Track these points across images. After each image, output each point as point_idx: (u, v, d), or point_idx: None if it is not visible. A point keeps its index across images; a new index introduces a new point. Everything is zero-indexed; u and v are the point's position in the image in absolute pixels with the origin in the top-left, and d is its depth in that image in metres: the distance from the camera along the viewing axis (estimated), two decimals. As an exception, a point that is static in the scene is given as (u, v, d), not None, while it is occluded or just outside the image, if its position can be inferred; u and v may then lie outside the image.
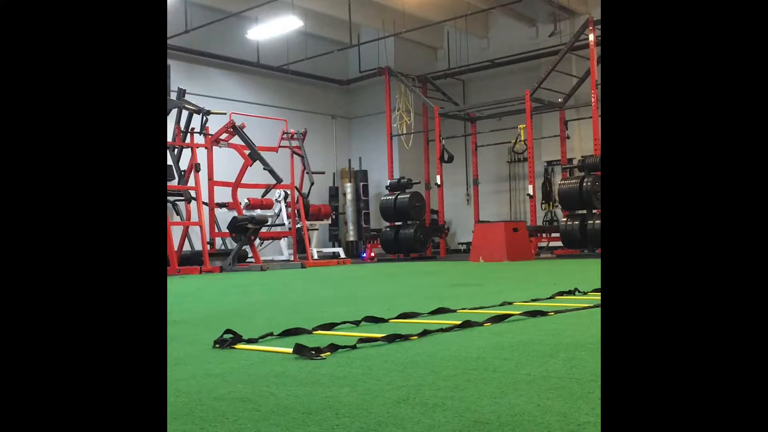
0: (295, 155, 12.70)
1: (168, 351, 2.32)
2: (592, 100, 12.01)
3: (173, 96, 11.23)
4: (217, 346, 2.42)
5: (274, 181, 11.21)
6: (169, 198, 10.99)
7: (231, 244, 11.16)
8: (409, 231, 12.93)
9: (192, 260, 10.19)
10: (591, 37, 12.03)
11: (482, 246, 10.59)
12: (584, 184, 11.05)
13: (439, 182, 13.91)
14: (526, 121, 12.61)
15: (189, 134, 11.03)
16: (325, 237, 16.24)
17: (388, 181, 13.80)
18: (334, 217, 15.66)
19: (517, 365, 1.87)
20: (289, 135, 12.71)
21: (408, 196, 13.01)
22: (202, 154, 10.88)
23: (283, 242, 13.29)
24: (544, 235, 13.09)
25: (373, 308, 3.59)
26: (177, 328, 3.07)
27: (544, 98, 13.03)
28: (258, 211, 12.12)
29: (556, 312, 3.08)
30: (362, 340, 2.33)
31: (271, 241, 12.57)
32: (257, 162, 10.75)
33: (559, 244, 11.84)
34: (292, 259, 12.58)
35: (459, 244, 16.81)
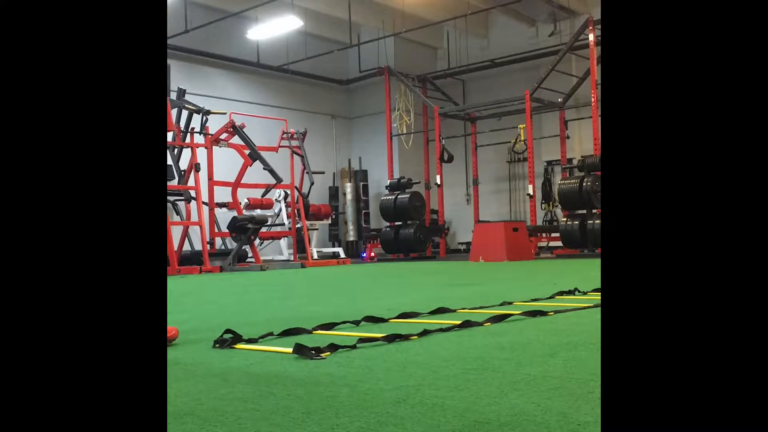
0: (295, 155, 12.69)
1: (168, 350, 2.32)
2: (592, 100, 12.00)
3: (173, 96, 11.23)
4: (217, 346, 2.42)
5: (274, 181, 11.21)
6: (169, 198, 10.98)
7: (231, 244, 11.16)
8: (409, 231, 12.92)
9: (192, 260, 10.19)
10: (591, 37, 12.04)
11: (482, 246, 10.59)
12: (584, 184, 11.05)
13: (439, 182, 13.91)
14: (526, 121, 12.61)
15: (189, 134, 11.03)
16: (325, 237, 16.23)
17: (388, 181, 13.79)
18: (334, 216, 15.66)
19: (517, 365, 1.87)
20: (289, 135, 12.71)
21: (408, 196, 13.00)
22: (202, 154, 10.88)
23: (283, 242, 13.29)
24: (544, 235, 13.09)
25: (373, 308, 3.59)
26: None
27: (544, 98, 13.02)
28: (258, 211, 12.12)
29: (556, 312, 3.07)
30: (362, 340, 2.33)
31: (271, 240, 12.57)
32: (257, 162, 10.74)
33: (559, 244, 11.83)
34: (292, 258, 12.58)
35: (459, 244, 16.80)
